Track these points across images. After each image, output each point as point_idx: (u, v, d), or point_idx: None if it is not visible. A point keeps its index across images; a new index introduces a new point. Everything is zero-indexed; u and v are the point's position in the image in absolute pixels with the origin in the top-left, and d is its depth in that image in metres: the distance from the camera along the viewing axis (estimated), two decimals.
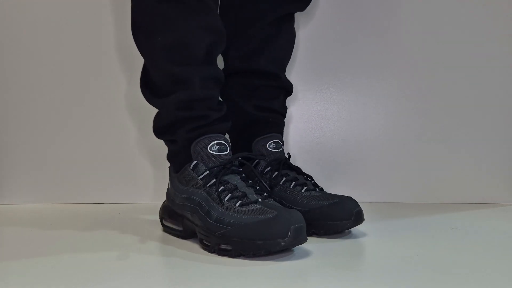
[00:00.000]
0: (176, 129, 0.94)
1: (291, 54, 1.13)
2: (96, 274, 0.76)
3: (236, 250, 0.82)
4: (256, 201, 0.85)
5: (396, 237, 0.95)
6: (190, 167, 0.92)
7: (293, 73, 1.31)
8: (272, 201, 0.87)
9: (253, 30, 1.06)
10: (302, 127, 1.33)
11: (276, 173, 1.02)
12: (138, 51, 0.95)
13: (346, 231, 0.97)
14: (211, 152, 0.91)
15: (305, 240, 0.82)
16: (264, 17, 1.06)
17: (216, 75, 0.94)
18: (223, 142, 0.92)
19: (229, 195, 0.86)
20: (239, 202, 0.85)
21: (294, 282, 0.73)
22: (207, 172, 0.90)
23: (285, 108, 1.12)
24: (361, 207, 0.95)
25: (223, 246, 0.83)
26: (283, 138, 1.09)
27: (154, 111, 1.22)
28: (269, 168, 1.03)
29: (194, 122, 0.93)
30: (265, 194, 0.88)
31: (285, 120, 1.12)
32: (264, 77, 1.07)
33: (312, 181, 1.02)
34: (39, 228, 1.07)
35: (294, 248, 0.86)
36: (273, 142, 1.04)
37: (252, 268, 0.78)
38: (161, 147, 1.32)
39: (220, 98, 0.99)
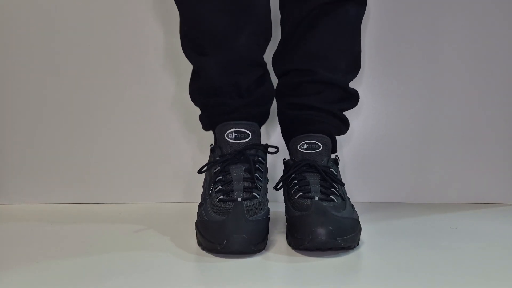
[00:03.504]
0: (201, 114, 0.99)
1: (343, 46, 0.99)
2: (96, 274, 0.76)
3: (199, 241, 0.87)
4: (234, 201, 0.87)
5: (396, 237, 0.95)
6: (210, 150, 0.97)
7: None
8: (256, 201, 0.88)
9: (286, 26, 1.02)
10: None
11: (294, 175, 0.95)
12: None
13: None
14: (227, 139, 0.93)
15: (244, 251, 0.82)
16: (294, 12, 0.99)
17: (240, 55, 0.92)
18: (243, 130, 0.93)
19: (219, 187, 0.89)
20: (220, 197, 0.88)
21: (294, 282, 0.74)
22: (218, 158, 0.93)
23: (331, 105, 1.00)
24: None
25: (198, 237, 0.88)
26: (334, 140, 1.01)
27: (153, 108, 1.22)
28: (290, 169, 0.96)
29: (213, 109, 0.95)
30: (253, 193, 0.89)
31: (340, 121, 1.02)
32: (298, 74, 1.00)
33: (329, 190, 0.91)
34: (39, 228, 1.07)
35: (293, 248, 0.86)
36: (307, 143, 0.96)
37: (249, 269, 0.78)
38: (161, 147, 1.32)
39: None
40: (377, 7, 1.29)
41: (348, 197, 0.94)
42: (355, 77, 1.04)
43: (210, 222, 0.86)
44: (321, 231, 0.81)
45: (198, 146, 1.27)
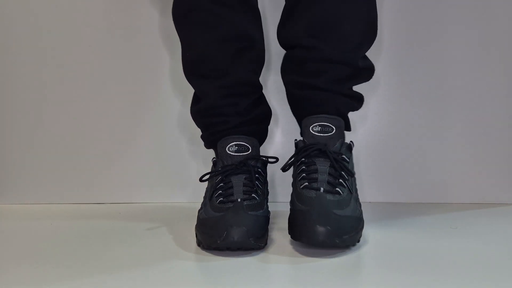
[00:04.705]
0: (203, 133, 1.04)
1: (355, 14, 0.92)
2: (96, 274, 0.76)
3: (199, 241, 0.87)
4: (233, 201, 0.88)
5: (396, 237, 0.95)
6: (212, 163, 1.00)
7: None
8: (255, 202, 0.89)
9: None
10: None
11: (303, 159, 0.91)
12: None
13: None
14: (228, 152, 0.95)
15: (244, 244, 0.82)
16: None
17: (239, 81, 0.98)
18: (243, 143, 0.96)
19: (219, 192, 0.90)
20: (220, 199, 0.89)
21: (294, 282, 0.74)
22: (219, 170, 0.95)
23: (338, 84, 0.94)
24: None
25: (197, 237, 0.88)
26: (345, 123, 0.95)
27: (150, 108, 1.21)
28: (300, 153, 0.92)
29: (214, 127, 0.99)
30: (253, 195, 0.89)
31: (353, 102, 0.97)
32: (303, 50, 0.94)
33: (337, 181, 0.88)
34: (39, 228, 1.07)
35: (293, 248, 0.86)
36: (319, 125, 0.91)
37: (250, 269, 0.78)
38: (161, 147, 1.32)
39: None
40: (377, 7, 1.29)
41: (356, 189, 0.92)
42: (372, 45, 0.97)
43: (209, 219, 0.87)
44: (320, 231, 0.80)
45: (200, 146, 1.27)
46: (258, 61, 1.02)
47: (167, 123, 1.31)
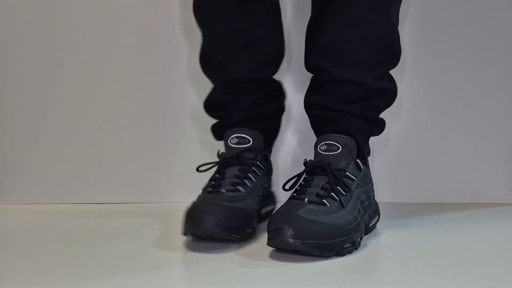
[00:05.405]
0: (212, 125, 1.05)
1: (361, 34, 0.92)
2: (96, 274, 0.77)
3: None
4: (218, 191, 0.90)
5: (395, 237, 0.95)
6: (218, 155, 1.02)
7: (290, 72, 1.30)
8: (238, 194, 0.90)
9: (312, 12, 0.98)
10: (302, 127, 1.33)
11: (305, 176, 0.91)
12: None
13: None
14: (230, 144, 0.98)
15: (213, 233, 0.85)
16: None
17: (242, 77, 0.99)
18: (244, 135, 0.97)
19: (212, 182, 0.93)
20: (208, 189, 0.92)
21: (292, 282, 0.74)
22: (217, 161, 0.98)
23: (350, 105, 0.94)
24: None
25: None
26: (353, 141, 0.93)
27: (150, 108, 1.20)
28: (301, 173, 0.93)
29: (221, 120, 1.03)
30: (238, 187, 0.91)
31: (354, 119, 0.95)
32: (319, 72, 0.96)
33: (328, 194, 0.86)
34: (39, 228, 1.07)
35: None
36: (326, 144, 0.91)
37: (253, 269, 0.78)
38: (161, 147, 1.32)
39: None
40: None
41: (357, 206, 0.89)
42: (391, 66, 0.97)
43: (191, 207, 0.89)
44: (280, 231, 0.79)
45: (200, 146, 1.27)
46: (267, 59, 1.01)
47: (168, 123, 1.31)
